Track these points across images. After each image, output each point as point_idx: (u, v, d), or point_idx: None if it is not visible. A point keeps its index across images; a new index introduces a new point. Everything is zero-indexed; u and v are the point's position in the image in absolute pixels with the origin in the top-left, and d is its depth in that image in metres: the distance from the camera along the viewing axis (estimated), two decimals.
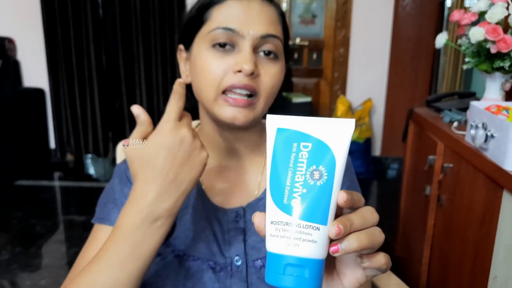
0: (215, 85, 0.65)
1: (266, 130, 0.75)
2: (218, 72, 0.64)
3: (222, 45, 0.65)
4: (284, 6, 3.46)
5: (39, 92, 3.49)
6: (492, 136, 1.13)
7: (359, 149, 3.24)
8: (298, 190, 0.40)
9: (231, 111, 0.64)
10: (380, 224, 0.44)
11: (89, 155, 3.58)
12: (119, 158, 0.96)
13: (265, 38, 0.65)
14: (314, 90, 3.59)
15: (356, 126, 3.26)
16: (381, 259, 0.43)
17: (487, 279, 1.16)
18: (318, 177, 0.40)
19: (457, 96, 1.75)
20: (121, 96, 3.46)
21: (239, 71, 0.63)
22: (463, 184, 1.33)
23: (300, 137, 0.42)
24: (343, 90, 3.47)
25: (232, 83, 0.63)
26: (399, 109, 3.32)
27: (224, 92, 0.64)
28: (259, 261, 0.68)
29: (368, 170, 3.29)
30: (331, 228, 0.39)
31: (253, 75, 0.64)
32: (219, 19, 0.65)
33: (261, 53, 0.66)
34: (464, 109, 1.55)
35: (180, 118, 0.56)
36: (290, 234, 0.40)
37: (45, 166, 3.56)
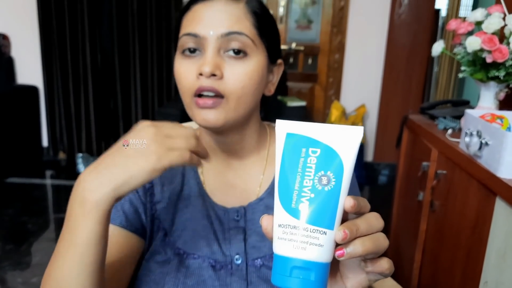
0: (187, 91, 0.66)
1: (264, 132, 0.78)
2: (188, 78, 0.65)
3: (190, 51, 0.66)
4: (281, 11, 3.48)
5: (33, 89, 3.47)
6: (486, 144, 1.16)
7: None
8: (306, 194, 0.41)
9: (201, 114, 0.65)
10: None
11: (80, 154, 3.57)
12: None
13: (227, 36, 0.64)
14: (309, 94, 3.61)
15: None
16: (385, 264, 0.44)
17: (477, 284, 1.18)
18: (326, 183, 0.41)
19: (451, 104, 1.77)
20: (116, 95, 3.45)
21: (201, 74, 0.64)
22: (456, 190, 1.35)
23: (309, 142, 0.43)
24: (337, 96, 3.49)
25: (198, 86, 0.64)
26: (392, 116, 3.35)
27: (195, 94, 0.65)
28: (259, 260, 0.69)
29: (360, 176, 3.32)
30: (338, 233, 0.41)
31: (216, 76, 0.63)
32: (186, 25, 0.67)
33: (228, 53, 0.65)
34: (458, 117, 1.58)
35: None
36: (297, 238, 0.41)
37: (37, 164, 3.53)
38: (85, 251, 0.52)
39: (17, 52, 3.43)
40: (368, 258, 0.44)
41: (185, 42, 0.66)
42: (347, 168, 0.42)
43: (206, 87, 0.63)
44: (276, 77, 0.74)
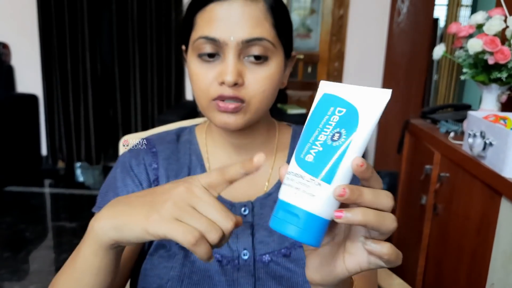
0: (205, 95, 0.65)
1: (273, 126, 0.77)
2: (206, 82, 0.64)
3: (208, 55, 0.64)
4: None
5: (32, 98, 3.47)
6: (490, 144, 1.15)
7: None
8: (316, 147, 0.42)
9: (222, 117, 0.65)
10: None
11: (79, 163, 3.55)
12: (122, 151, 0.95)
13: (249, 42, 0.62)
14: (309, 102, 3.60)
15: None
16: (385, 248, 0.41)
17: (483, 286, 1.17)
18: (336, 138, 0.41)
19: (452, 108, 1.77)
20: (115, 103, 3.45)
21: (223, 83, 0.62)
22: (460, 192, 1.34)
23: (338, 102, 0.43)
24: None
25: (219, 93, 0.63)
26: (392, 123, 3.34)
27: (215, 99, 0.64)
28: (267, 255, 0.67)
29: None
30: (337, 187, 0.39)
31: (238, 84, 0.63)
32: (202, 26, 0.64)
33: (249, 58, 0.63)
34: (460, 120, 1.58)
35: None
36: (293, 184, 0.42)
37: (36, 173, 3.51)
38: (80, 277, 0.51)
39: (17, 61, 3.43)
40: (371, 236, 0.42)
41: (202, 45, 0.64)
42: (363, 126, 0.41)
43: (228, 95, 0.63)
44: (288, 70, 0.74)
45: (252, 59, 0.63)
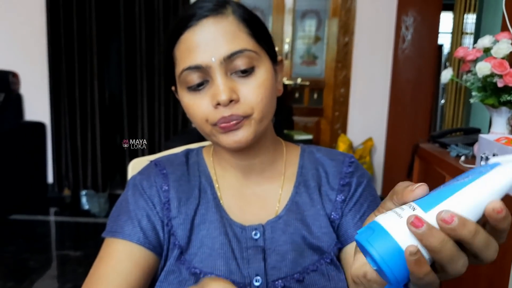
0: (205, 123, 0.64)
1: (280, 145, 0.76)
2: (202, 111, 0.64)
3: (198, 86, 0.64)
4: (286, 47, 3.54)
5: (40, 126, 3.49)
6: None
7: None
8: (439, 189, 0.41)
9: (230, 137, 0.64)
10: None
11: (85, 191, 3.54)
12: (131, 174, 0.94)
13: (231, 57, 0.62)
14: (315, 128, 3.61)
15: None
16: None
17: None
18: (462, 179, 0.39)
19: (461, 132, 1.75)
20: (123, 130, 3.46)
21: (219, 104, 0.62)
22: None
23: (487, 167, 0.42)
24: (343, 129, 3.49)
25: (219, 117, 0.62)
26: (399, 149, 3.33)
27: (215, 124, 0.64)
28: (280, 281, 0.65)
29: None
30: (444, 212, 0.35)
31: (233, 101, 0.62)
32: (183, 58, 0.64)
33: (237, 73, 0.63)
34: (470, 144, 1.56)
35: None
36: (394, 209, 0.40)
37: (42, 201, 3.50)
38: None
39: (26, 89, 3.47)
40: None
41: (188, 77, 0.63)
42: (500, 170, 0.38)
43: (228, 117, 0.62)
44: (280, 75, 0.73)
45: (240, 73, 0.63)
